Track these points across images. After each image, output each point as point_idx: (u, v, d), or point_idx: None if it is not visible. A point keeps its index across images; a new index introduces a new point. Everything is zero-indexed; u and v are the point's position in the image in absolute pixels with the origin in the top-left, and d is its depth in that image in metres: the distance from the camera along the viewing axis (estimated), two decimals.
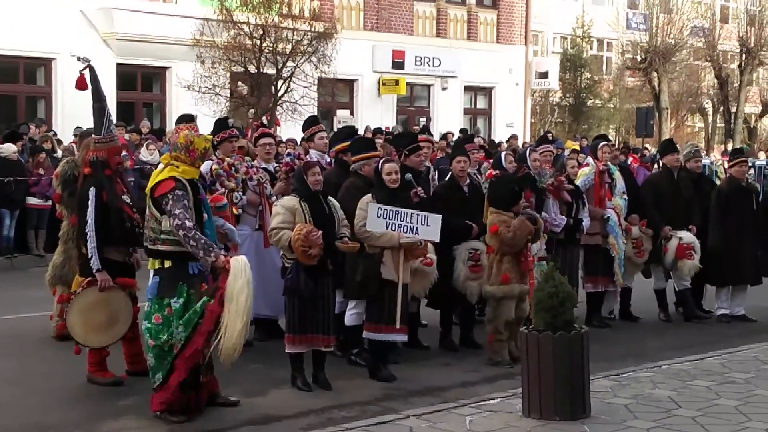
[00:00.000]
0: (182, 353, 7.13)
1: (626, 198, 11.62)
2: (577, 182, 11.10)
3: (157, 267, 7.32)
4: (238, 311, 6.91)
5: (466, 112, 31.36)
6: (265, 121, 18.51)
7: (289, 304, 8.09)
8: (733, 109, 37.98)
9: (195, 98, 21.76)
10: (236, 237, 8.62)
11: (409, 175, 9.13)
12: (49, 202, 15.53)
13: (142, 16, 23.07)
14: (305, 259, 7.85)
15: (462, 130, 25.20)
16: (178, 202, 7.08)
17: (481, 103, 32.18)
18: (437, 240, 8.84)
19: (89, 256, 7.99)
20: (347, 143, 9.81)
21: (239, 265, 7.00)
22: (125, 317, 8.23)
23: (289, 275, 7.99)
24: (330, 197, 8.44)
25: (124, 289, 8.25)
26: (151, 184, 7.35)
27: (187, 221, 7.03)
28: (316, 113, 21.43)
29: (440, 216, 8.79)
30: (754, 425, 7.01)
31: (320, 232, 7.86)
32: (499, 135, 29.35)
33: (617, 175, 11.55)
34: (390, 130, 24.51)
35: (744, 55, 37.44)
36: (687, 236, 11.52)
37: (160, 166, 7.49)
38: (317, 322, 8.08)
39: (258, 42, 22.19)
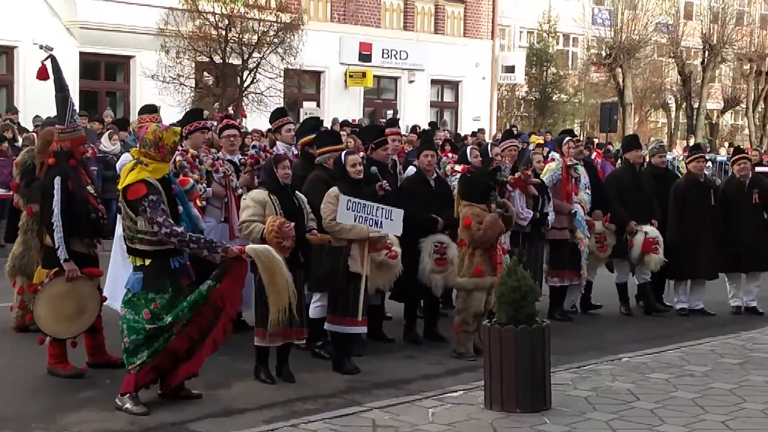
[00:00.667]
0: (181, 333, 7.19)
1: (589, 193, 11.70)
2: (544, 177, 11.16)
3: (138, 264, 7.31)
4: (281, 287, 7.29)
5: (432, 105, 31.44)
6: (230, 112, 18.43)
7: (261, 297, 7.98)
8: (696, 105, 38.35)
9: (159, 88, 21.66)
10: (201, 224, 8.57)
11: (374, 169, 9.15)
12: (10, 192, 15.40)
13: (106, 5, 22.92)
14: (279, 251, 7.83)
15: (431, 123, 25.27)
16: (156, 209, 7.05)
17: (448, 97, 32.27)
18: (399, 234, 8.87)
19: (56, 246, 7.94)
20: (313, 136, 9.81)
21: (259, 251, 7.25)
22: (93, 307, 8.20)
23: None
24: (297, 191, 8.44)
25: (92, 279, 8.21)
26: (122, 183, 7.31)
27: (175, 227, 7.06)
28: (282, 105, 21.38)
29: (402, 211, 8.82)
30: (710, 417, 7.10)
31: (293, 224, 7.87)
32: (466, 128, 29.43)
33: (581, 170, 11.63)
34: (357, 122, 24.53)
35: (707, 52, 37.79)
36: (652, 231, 11.64)
37: (130, 161, 7.45)
38: (290, 315, 8.05)
39: (224, 32, 22.13)
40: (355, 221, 8.43)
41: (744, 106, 41.22)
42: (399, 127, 11.58)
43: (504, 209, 9.44)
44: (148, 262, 7.22)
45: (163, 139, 7.21)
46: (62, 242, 7.92)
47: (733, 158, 12.70)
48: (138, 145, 7.48)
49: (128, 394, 7.25)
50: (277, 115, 10.61)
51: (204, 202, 9.36)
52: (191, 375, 7.53)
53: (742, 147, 18.06)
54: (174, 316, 7.16)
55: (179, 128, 7.55)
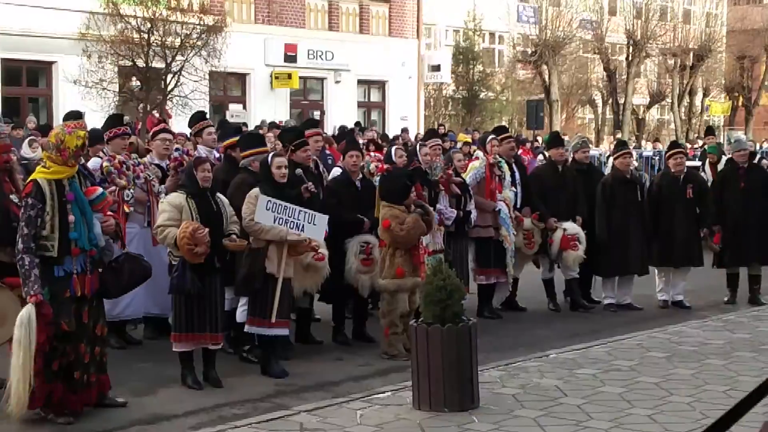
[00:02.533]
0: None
1: (515, 190, 11.76)
2: (467, 175, 11.20)
3: None
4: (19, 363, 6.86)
5: (360, 105, 31.44)
6: (156, 116, 18.24)
7: (176, 303, 8.00)
8: (622, 101, 38.87)
9: (82, 93, 21.37)
10: (101, 240, 8.35)
11: (299, 171, 9.11)
12: None
13: (27, 10, 22.58)
14: (191, 257, 7.76)
15: (356, 123, 25.25)
16: (27, 212, 6.97)
17: (374, 97, 32.30)
18: (321, 239, 8.83)
19: None
20: (236, 138, 9.74)
21: (23, 318, 6.93)
22: (13, 318, 8.00)
23: (176, 273, 7.87)
24: (218, 194, 8.35)
25: (13, 289, 8.03)
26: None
27: (20, 241, 6.92)
28: (207, 108, 21.21)
29: (327, 216, 8.78)
30: (636, 411, 7.18)
31: (207, 229, 7.77)
32: (394, 128, 29.48)
33: (505, 167, 11.69)
34: (284, 124, 24.39)
35: (631, 48, 38.32)
36: (572, 227, 11.71)
37: None
38: (204, 321, 8.00)
39: (146, 36, 21.86)
40: (274, 222, 8.36)
41: (669, 100, 41.90)
42: (319, 128, 11.56)
43: (423, 211, 9.42)
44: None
45: (65, 142, 7.06)
46: None
47: (669, 152, 12.70)
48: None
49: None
50: (197, 119, 10.50)
51: (131, 208, 9.25)
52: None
53: (678, 141, 18.22)
54: None
55: (83, 132, 7.33)
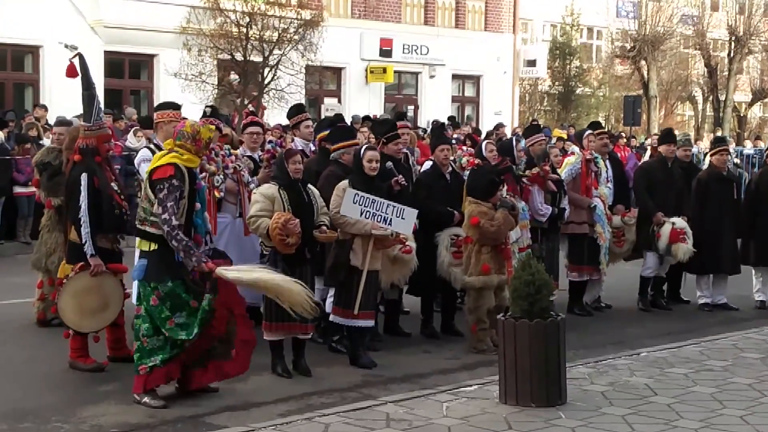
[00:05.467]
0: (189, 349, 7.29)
1: (610, 187, 11.65)
2: (564, 171, 11.13)
3: (143, 249, 7.38)
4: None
5: (454, 100, 31.38)
6: (251, 109, 18.50)
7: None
8: (723, 98, 38.04)
9: (182, 86, 21.79)
10: (208, 224, 8.59)
11: (389, 164, 9.16)
12: (33, 190, 15.55)
13: (130, 4, 23.10)
14: (283, 248, 7.87)
15: (449, 118, 25.22)
16: (171, 194, 7.12)
17: (469, 91, 32.20)
18: (409, 234, 8.86)
19: (83, 241, 8.03)
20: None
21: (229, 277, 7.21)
22: (116, 302, 8.29)
23: (268, 263, 7.99)
24: (310, 185, 8.46)
25: (116, 275, 8.30)
26: (152, 166, 7.40)
27: (174, 219, 7.10)
28: (303, 101, 21.43)
29: (416, 210, 8.81)
30: (728, 412, 7.07)
31: (298, 220, 7.88)
32: (488, 123, 29.35)
33: (602, 164, 11.57)
34: (378, 118, 24.51)
35: (733, 44, 37.47)
36: (679, 222, 11.55)
37: (162, 152, 7.53)
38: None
39: (245, 30, 22.19)
40: (361, 216, 8.42)
41: None
42: (407, 121, 11.58)
43: (510, 207, 9.39)
44: (153, 247, 7.26)
45: (200, 133, 7.32)
46: (89, 238, 8.02)
47: None
48: (173, 138, 7.51)
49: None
50: (294, 111, 10.64)
51: (221, 193, 9.42)
52: (240, 373, 7.63)
53: None
54: (187, 335, 7.22)
55: (214, 127, 7.68)
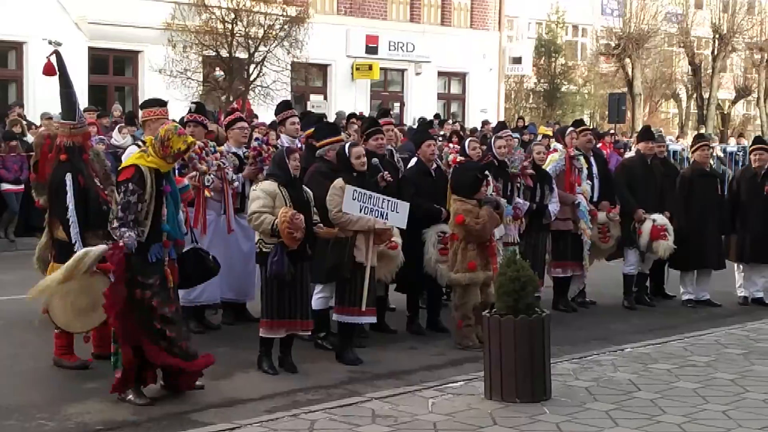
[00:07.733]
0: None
1: (590, 182, 11.68)
2: (547, 167, 11.16)
3: None
4: None
5: (440, 97, 31.40)
6: (236, 106, 18.48)
7: (268, 289, 8.03)
8: (707, 96, 38.19)
9: (167, 82, 21.74)
10: (183, 227, 8.51)
11: (375, 160, 9.17)
12: (21, 186, 15.51)
13: (114, 0, 22.97)
14: (291, 242, 7.84)
15: (435, 115, 25.26)
16: (127, 197, 7.05)
17: (455, 89, 32.24)
18: (404, 227, 8.90)
19: (72, 241, 7.99)
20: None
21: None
22: None
23: (274, 259, 7.88)
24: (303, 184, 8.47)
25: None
26: (122, 165, 7.37)
27: (124, 227, 7.03)
28: (289, 98, 21.40)
29: (408, 204, 8.85)
30: (711, 407, 7.11)
31: (302, 216, 7.88)
32: (473, 120, 29.42)
33: (582, 160, 11.61)
34: (364, 115, 24.52)
35: (717, 42, 37.63)
36: (660, 218, 11.61)
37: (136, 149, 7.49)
38: (296, 307, 8.07)
39: (230, 26, 22.16)
40: (360, 212, 8.44)
41: (756, 96, 41.05)
42: (391, 118, 11.62)
43: (494, 204, 9.42)
44: None
45: (170, 140, 7.18)
46: (78, 237, 7.99)
47: (751, 148, 12.65)
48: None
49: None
50: (281, 108, 10.65)
51: (212, 193, 9.40)
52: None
53: (763, 137, 17.90)
54: None
55: (191, 140, 7.48)
